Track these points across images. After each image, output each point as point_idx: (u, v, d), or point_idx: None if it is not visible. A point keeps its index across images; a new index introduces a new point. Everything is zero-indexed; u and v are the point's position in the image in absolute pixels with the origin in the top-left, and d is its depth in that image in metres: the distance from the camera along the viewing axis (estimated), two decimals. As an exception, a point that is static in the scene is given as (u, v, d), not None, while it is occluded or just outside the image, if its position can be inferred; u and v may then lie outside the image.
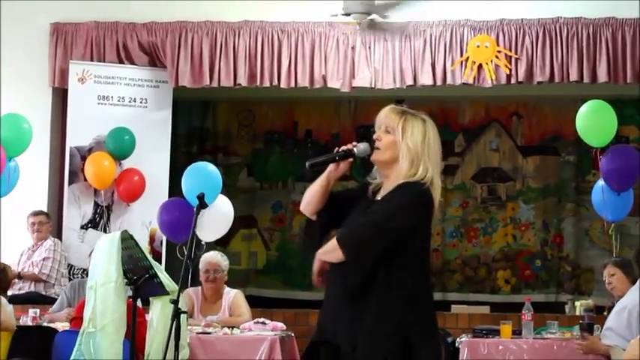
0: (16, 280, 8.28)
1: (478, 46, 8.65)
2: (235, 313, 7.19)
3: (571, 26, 8.60)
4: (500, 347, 6.56)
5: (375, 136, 3.75)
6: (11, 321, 6.42)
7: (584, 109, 7.74)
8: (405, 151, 3.66)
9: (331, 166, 3.72)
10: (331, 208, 3.76)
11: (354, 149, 3.72)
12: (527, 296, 7.96)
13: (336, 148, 3.77)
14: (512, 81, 8.65)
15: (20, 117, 8.16)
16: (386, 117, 3.78)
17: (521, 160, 10.83)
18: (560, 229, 10.65)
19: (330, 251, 3.65)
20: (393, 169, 3.70)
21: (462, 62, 8.66)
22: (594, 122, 7.72)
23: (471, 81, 8.63)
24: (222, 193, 8.04)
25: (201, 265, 7.28)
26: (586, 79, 8.53)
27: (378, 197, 3.71)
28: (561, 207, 10.68)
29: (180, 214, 7.88)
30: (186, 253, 4.72)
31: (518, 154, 10.84)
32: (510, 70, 8.60)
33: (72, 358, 5.56)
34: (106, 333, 5.46)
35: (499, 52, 8.62)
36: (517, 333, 6.72)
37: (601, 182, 7.83)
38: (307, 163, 3.76)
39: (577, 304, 7.94)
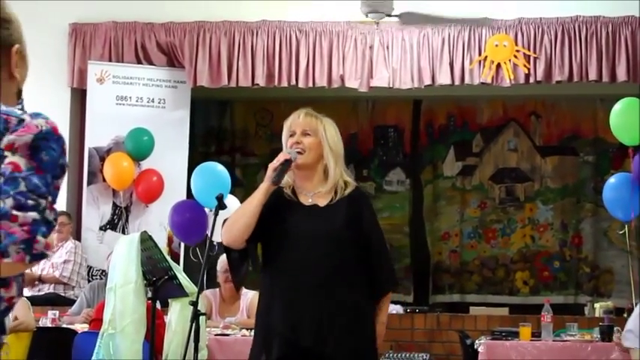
0: (37, 282, 8.32)
1: (496, 46, 8.61)
2: (253, 314, 7.16)
3: (590, 25, 8.55)
4: (520, 349, 6.53)
5: (294, 140, 3.85)
6: (30, 321, 6.42)
7: (617, 107, 7.59)
8: (329, 151, 3.85)
9: (268, 182, 3.77)
10: (256, 227, 3.78)
11: (291, 156, 3.80)
12: (546, 298, 7.92)
13: (276, 162, 3.79)
14: (531, 80, 8.61)
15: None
16: (303, 120, 3.90)
17: (539, 160, 10.78)
18: (579, 230, 10.59)
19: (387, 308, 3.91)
20: (315, 170, 3.86)
21: (480, 61, 8.63)
22: (628, 120, 7.60)
23: (489, 80, 8.60)
24: (239, 193, 8.04)
25: (219, 266, 7.27)
26: (605, 79, 8.48)
27: (309, 200, 3.82)
28: (580, 207, 10.63)
29: (191, 216, 7.87)
30: (204, 254, 4.71)
31: (537, 154, 10.79)
32: (529, 69, 8.57)
33: (93, 359, 5.56)
34: (126, 334, 5.46)
35: (517, 51, 8.58)
36: (536, 335, 6.68)
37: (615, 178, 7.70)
38: (276, 184, 3.79)
39: (596, 305, 7.89)
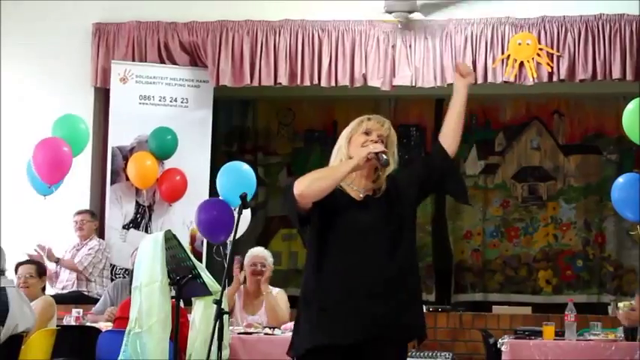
0: (56, 270, 8.36)
1: (520, 44, 8.59)
2: (280, 310, 7.17)
3: (614, 23, 8.51)
4: (543, 348, 6.51)
5: (371, 139, 3.90)
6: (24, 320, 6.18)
7: (630, 107, 7.60)
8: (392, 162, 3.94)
9: (363, 159, 3.82)
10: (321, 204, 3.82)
11: (382, 156, 3.84)
12: (569, 297, 7.90)
13: (380, 148, 3.84)
14: (554, 79, 8.58)
15: (77, 117, 8.32)
16: (386, 130, 3.96)
17: (562, 158, 10.73)
18: (602, 229, 10.54)
19: None
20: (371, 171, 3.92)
21: (503, 60, 8.61)
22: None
23: (512, 79, 8.57)
24: (261, 192, 8.06)
25: (246, 260, 7.29)
26: (629, 77, 8.44)
27: (361, 196, 3.87)
28: (603, 206, 10.55)
29: (218, 214, 7.89)
30: (228, 253, 4.73)
31: (560, 153, 10.74)
32: (552, 67, 8.53)
33: (120, 358, 5.58)
34: (153, 333, 5.47)
35: (541, 49, 8.55)
36: (560, 334, 6.66)
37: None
38: (385, 166, 3.87)
39: (620, 304, 7.84)
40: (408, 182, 3.93)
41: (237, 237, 4.87)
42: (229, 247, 5.57)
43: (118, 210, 8.96)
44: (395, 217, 3.85)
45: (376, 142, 3.88)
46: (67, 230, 8.61)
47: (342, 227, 3.81)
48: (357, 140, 3.92)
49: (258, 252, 7.35)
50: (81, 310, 7.19)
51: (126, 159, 8.89)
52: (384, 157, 3.82)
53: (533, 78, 8.52)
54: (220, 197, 8.04)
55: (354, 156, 3.87)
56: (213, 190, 8.78)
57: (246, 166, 8.13)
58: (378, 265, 3.77)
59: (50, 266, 8.22)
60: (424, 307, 8.20)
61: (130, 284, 5.88)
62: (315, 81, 8.84)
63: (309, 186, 3.74)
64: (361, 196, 3.89)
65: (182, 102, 9.08)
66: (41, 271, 6.87)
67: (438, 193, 4.07)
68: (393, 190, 3.91)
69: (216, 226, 7.94)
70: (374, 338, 3.76)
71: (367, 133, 3.92)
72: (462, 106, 4.07)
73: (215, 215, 7.92)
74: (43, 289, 6.93)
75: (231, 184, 7.76)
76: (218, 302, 4.61)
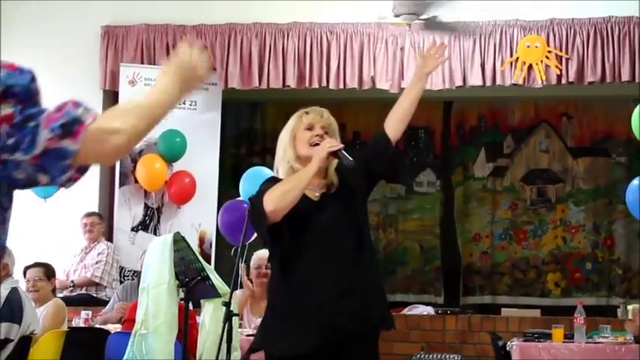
0: (71, 287, 8.37)
1: (528, 47, 8.58)
2: None
3: (622, 25, 8.50)
4: (552, 351, 6.50)
5: (315, 134, 3.91)
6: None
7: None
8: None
9: (323, 160, 3.81)
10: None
11: (342, 156, 3.83)
12: (578, 299, 7.87)
13: (337, 146, 3.82)
14: (563, 81, 8.57)
15: None
16: (326, 120, 3.99)
17: (571, 161, 10.72)
18: (611, 232, 10.53)
19: None
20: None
21: (511, 62, 8.60)
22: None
23: (520, 81, 8.57)
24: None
25: (252, 263, 7.30)
26: (638, 79, 8.42)
27: (316, 194, 3.86)
28: (612, 209, 10.56)
29: (241, 215, 7.91)
30: (237, 255, 4.74)
31: (568, 156, 10.74)
32: (561, 70, 8.52)
33: (124, 359, 5.59)
34: (159, 334, 5.48)
35: (549, 52, 8.54)
36: (569, 337, 6.65)
37: None
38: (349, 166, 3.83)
39: (629, 307, 7.83)
40: (356, 173, 3.90)
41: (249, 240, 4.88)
42: (241, 249, 5.62)
43: (127, 212, 8.97)
44: (352, 212, 3.86)
45: (321, 135, 3.88)
46: (75, 232, 8.62)
47: (303, 230, 3.79)
48: (302, 137, 3.91)
49: (263, 254, 7.34)
50: (90, 312, 7.19)
51: (134, 161, 8.90)
52: (345, 155, 3.79)
53: (541, 80, 8.51)
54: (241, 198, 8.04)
55: (302, 155, 3.87)
56: (221, 192, 8.79)
57: (268, 171, 8.16)
58: (343, 264, 3.78)
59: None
60: (433, 310, 8.27)
61: (139, 286, 5.89)
62: (324, 83, 8.85)
63: (279, 202, 3.71)
64: (317, 195, 3.88)
65: (191, 104, 9.08)
66: (50, 274, 6.87)
67: (386, 180, 4.11)
68: (344, 183, 3.90)
69: (240, 228, 7.94)
70: (347, 336, 3.76)
71: (310, 128, 3.91)
72: (419, 94, 4.11)
73: (238, 216, 7.93)
74: (53, 291, 6.94)
75: (253, 189, 7.76)
76: (227, 304, 4.62)
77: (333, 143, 3.81)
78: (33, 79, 2.11)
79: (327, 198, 3.87)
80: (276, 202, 3.70)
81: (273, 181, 3.89)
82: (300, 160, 3.89)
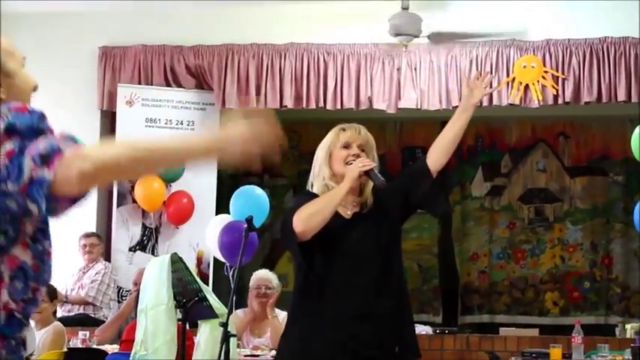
0: (64, 303, 8.35)
1: (525, 67, 8.60)
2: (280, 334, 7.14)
3: (618, 46, 8.52)
4: (550, 371, 6.50)
5: (352, 153, 3.86)
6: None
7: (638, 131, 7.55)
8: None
9: (355, 179, 3.78)
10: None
11: (374, 175, 3.80)
12: (577, 318, 7.89)
13: (369, 166, 3.78)
14: (560, 101, 8.59)
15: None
16: (363, 137, 3.95)
17: (568, 180, 10.74)
18: (609, 251, 10.54)
19: None
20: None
21: (508, 83, 8.63)
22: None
23: (517, 101, 8.59)
24: (269, 214, 8.08)
25: (251, 283, 7.30)
26: (634, 99, 8.44)
27: (348, 212, 3.84)
28: (610, 228, 10.57)
29: (240, 236, 7.90)
30: (234, 276, 4.74)
31: (566, 175, 10.76)
32: (557, 90, 8.54)
33: (123, 381, 5.60)
34: (159, 355, 5.47)
35: (546, 72, 8.57)
36: (567, 356, 6.65)
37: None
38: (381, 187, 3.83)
39: (627, 326, 7.84)
40: (393, 197, 3.88)
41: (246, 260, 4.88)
42: (236, 270, 5.63)
43: (125, 232, 8.97)
44: (382, 234, 3.82)
45: (358, 155, 3.83)
46: (73, 252, 8.61)
47: (332, 247, 3.77)
48: (337, 155, 3.88)
49: (262, 275, 7.35)
50: (87, 333, 7.18)
51: (132, 181, 8.91)
52: (377, 175, 3.76)
53: (538, 100, 8.53)
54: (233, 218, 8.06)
55: (338, 173, 3.83)
56: (219, 213, 8.78)
57: (259, 190, 8.15)
58: (366, 287, 3.74)
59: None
60: (431, 329, 8.26)
61: (136, 307, 5.89)
62: (321, 104, 8.86)
63: (308, 222, 3.68)
64: (349, 213, 3.85)
65: (188, 125, 9.10)
66: (52, 295, 6.83)
67: (420, 209, 4.09)
68: (379, 205, 3.87)
69: (238, 249, 7.94)
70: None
71: (347, 146, 3.87)
72: (464, 126, 4.03)
73: (237, 237, 7.92)
74: (54, 313, 6.91)
75: (245, 209, 7.76)
76: (224, 325, 4.62)
77: (365, 162, 3.77)
78: (41, 118, 2.13)
79: (359, 218, 3.84)
80: (305, 223, 3.67)
81: (306, 195, 3.86)
82: (335, 178, 3.85)
